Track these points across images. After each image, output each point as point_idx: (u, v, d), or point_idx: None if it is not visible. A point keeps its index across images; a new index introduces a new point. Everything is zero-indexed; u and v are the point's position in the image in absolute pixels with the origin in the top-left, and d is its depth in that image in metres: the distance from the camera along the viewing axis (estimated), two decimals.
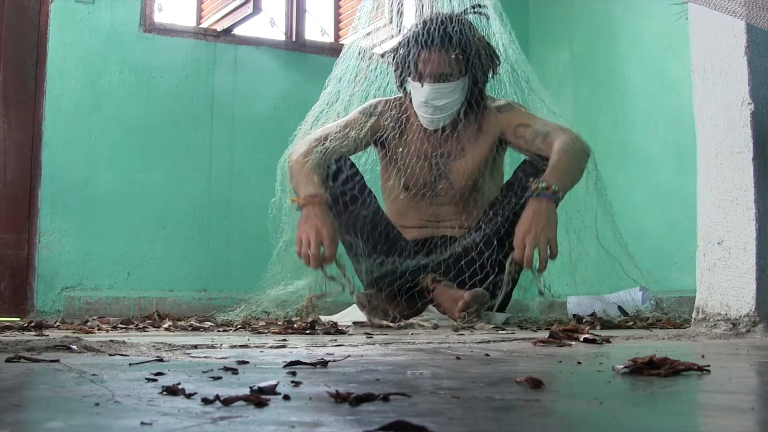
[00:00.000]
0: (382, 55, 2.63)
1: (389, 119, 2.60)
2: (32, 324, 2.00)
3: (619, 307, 2.65)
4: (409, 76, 2.51)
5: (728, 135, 1.87)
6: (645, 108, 3.52)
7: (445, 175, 2.57)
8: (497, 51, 2.58)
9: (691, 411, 0.75)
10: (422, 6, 2.94)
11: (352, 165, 2.50)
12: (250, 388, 0.76)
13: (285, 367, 1.02)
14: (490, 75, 2.57)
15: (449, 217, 2.57)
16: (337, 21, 4.01)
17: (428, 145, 2.59)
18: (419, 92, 2.48)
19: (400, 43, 2.55)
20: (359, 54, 2.78)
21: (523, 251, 2.21)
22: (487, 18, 2.63)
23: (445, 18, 2.50)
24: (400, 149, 2.60)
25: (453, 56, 2.45)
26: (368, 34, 3.19)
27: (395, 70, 2.57)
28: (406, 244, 2.47)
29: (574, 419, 0.66)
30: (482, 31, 2.61)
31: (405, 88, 2.59)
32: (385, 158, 2.67)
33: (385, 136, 2.61)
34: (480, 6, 2.62)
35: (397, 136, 2.61)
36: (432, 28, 2.45)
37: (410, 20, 3.02)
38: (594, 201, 2.57)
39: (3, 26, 3.28)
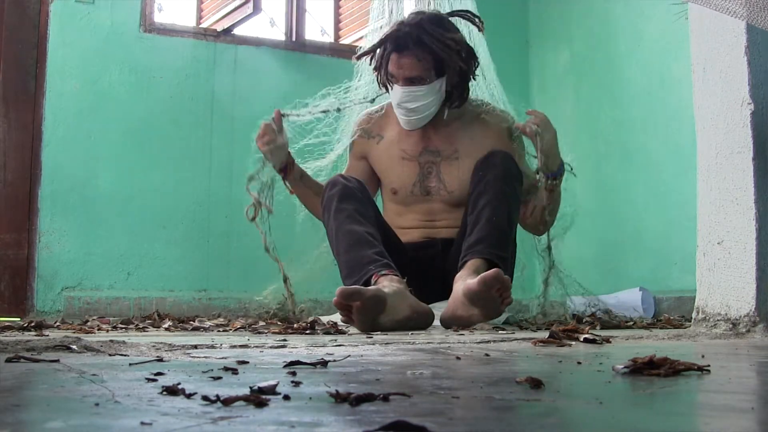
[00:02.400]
0: (357, 57, 2.62)
1: (365, 125, 2.63)
2: (32, 324, 2.01)
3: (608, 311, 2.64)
4: (389, 79, 2.51)
5: (728, 135, 1.87)
6: (645, 108, 3.52)
7: (436, 175, 2.56)
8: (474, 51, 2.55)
9: (691, 411, 0.75)
10: (422, 6, 2.95)
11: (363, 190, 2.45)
12: (250, 388, 0.76)
13: (285, 367, 1.02)
14: (470, 76, 2.53)
15: (444, 215, 2.56)
16: (337, 21, 4.01)
17: (413, 144, 2.58)
18: (394, 94, 2.49)
19: (377, 44, 2.53)
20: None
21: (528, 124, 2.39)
22: (479, 29, 2.60)
23: (422, 19, 2.43)
24: (381, 152, 2.61)
25: (425, 59, 2.41)
26: (368, 34, 3.20)
27: (374, 71, 2.57)
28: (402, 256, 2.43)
29: (574, 419, 0.66)
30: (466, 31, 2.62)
31: (387, 88, 2.60)
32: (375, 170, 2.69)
33: (370, 153, 2.63)
34: (472, 14, 2.59)
35: (376, 141, 2.62)
36: (406, 31, 2.40)
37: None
38: None
39: (3, 26, 3.28)
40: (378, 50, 2.50)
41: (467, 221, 2.33)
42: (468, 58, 2.49)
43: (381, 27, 2.99)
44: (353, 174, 2.56)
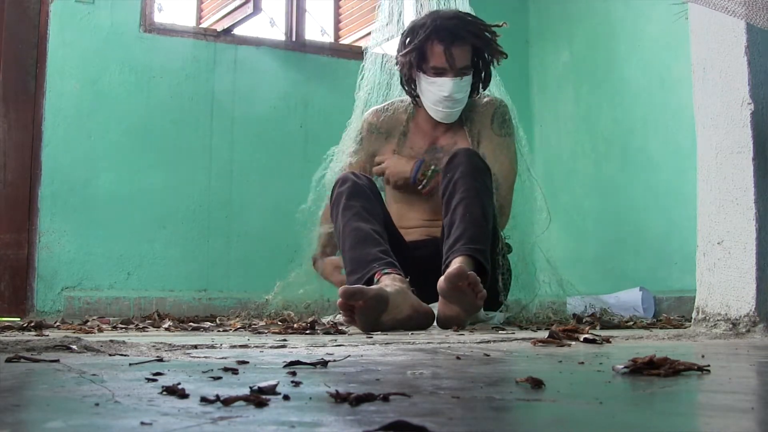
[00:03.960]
0: (404, 55, 2.58)
1: (374, 121, 2.65)
2: (32, 324, 2.00)
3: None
4: (426, 73, 2.51)
5: (728, 135, 1.87)
6: (645, 108, 3.52)
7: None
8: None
9: (691, 411, 0.75)
10: (422, 6, 2.95)
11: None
12: (250, 388, 0.76)
13: (285, 367, 1.02)
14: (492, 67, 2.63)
15: None
16: (337, 21, 4.01)
17: (422, 142, 2.61)
18: (441, 87, 2.50)
19: (408, 41, 2.54)
20: (383, 61, 2.85)
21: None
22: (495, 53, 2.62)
23: (458, 12, 2.57)
24: (389, 150, 2.63)
25: (469, 49, 2.50)
26: (368, 33, 3.21)
27: (408, 68, 2.57)
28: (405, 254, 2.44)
29: (574, 419, 0.66)
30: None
31: (412, 86, 2.60)
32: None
33: (378, 150, 2.65)
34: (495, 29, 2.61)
35: (384, 137, 2.64)
36: (454, 23, 2.48)
37: (410, 19, 3.02)
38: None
39: (3, 26, 3.28)
40: (410, 46, 2.51)
41: (443, 223, 2.34)
42: (498, 51, 2.59)
43: (388, 24, 3.00)
44: (361, 169, 2.59)
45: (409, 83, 2.61)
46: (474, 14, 2.68)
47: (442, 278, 2.04)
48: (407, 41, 2.55)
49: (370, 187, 2.41)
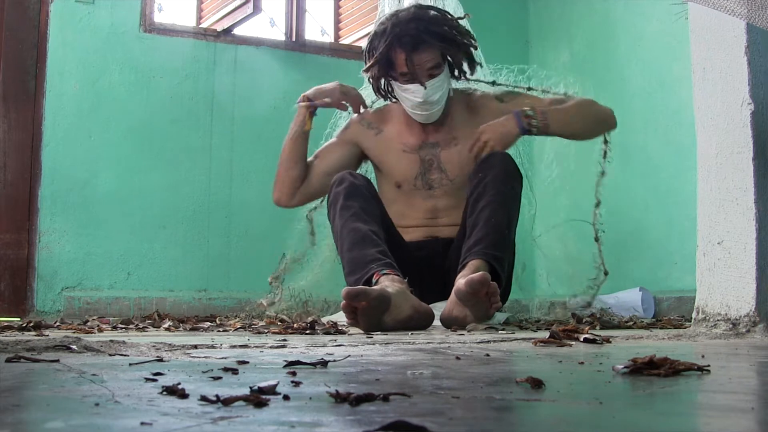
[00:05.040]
0: (366, 71, 2.57)
1: (364, 114, 2.65)
2: (32, 324, 2.00)
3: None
4: (397, 81, 2.50)
5: (728, 135, 1.87)
6: (645, 108, 3.52)
7: (437, 166, 2.58)
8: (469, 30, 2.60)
9: (691, 411, 0.75)
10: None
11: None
12: (250, 388, 0.76)
13: (285, 367, 1.02)
14: (470, 54, 2.59)
15: (447, 212, 2.56)
16: (337, 21, 4.01)
17: (413, 138, 2.61)
18: (414, 93, 2.49)
19: (374, 50, 2.51)
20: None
21: (474, 144, 2.43)
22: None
23: (415, 12, 2.49)
24: (380, 145, 2.63)
25: (436, 48, 2.46)
26: (368, 33, 3.21)
27: (377, 78, 2.56)
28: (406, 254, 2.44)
29: (574, 419, 0.66)
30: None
31: (384, 93, 2.61)
32: (374, 164, 2.70)
33: (366, 143, 2.64)
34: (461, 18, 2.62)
35: (374, 132, 2.64)
36: (412, 27, 2.43)
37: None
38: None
39: (3, 26, 3.28)
40: (373, 58, 2.49)
41: (467, 223, 2.34)
42: (466, 38, 2.55)
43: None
44: (329, 154, 2.61)
45: (382, 91, 2.60)
46: (437, 6, 2.64)
47: (463, 280, 2.04)
48: (371, 52, 2.52)
49: (368, 187, 2.41)
